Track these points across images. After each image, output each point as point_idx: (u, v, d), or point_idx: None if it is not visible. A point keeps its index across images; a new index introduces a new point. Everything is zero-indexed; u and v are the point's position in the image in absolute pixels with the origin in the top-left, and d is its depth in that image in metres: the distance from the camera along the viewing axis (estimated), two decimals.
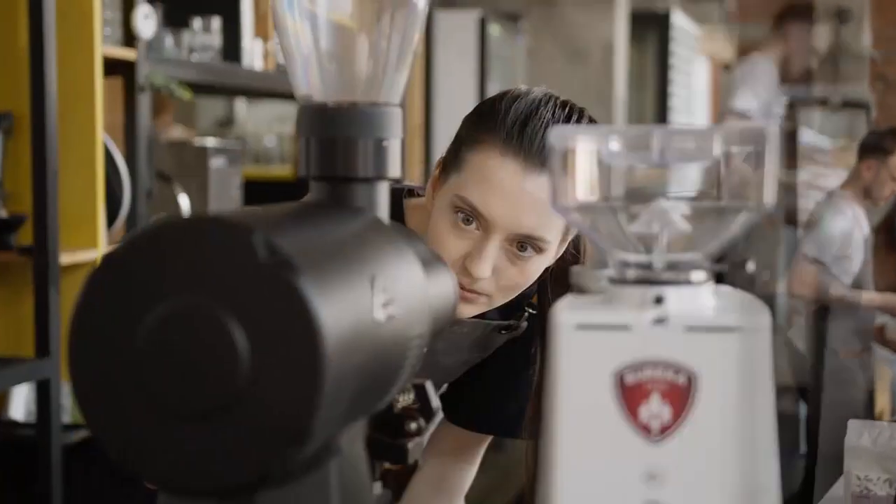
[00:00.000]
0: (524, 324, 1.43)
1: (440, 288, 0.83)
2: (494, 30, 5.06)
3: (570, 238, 1.33)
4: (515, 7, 5.38)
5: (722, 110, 4.43)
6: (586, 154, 0.70)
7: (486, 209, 1.23)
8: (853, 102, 8.54)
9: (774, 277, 4.43)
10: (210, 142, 3.22)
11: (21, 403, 2.73)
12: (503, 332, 1.43)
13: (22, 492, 2.44)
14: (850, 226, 4.36)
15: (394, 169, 0.81)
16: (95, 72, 2.43)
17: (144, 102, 2.62)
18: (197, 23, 2.94)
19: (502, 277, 1.27)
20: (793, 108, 4.63)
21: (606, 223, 0.71)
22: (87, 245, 2.44)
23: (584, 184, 0.70)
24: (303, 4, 0.80)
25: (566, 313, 0.68)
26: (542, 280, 1.36)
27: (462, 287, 1.26)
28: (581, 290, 0.76)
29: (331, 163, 0.79)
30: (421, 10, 0.83)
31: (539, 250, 1.26)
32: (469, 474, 1.54)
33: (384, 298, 0.69)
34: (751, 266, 3.14)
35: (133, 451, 0.62)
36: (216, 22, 2.96)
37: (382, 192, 0.80)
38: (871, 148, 4.43)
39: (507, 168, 1.23)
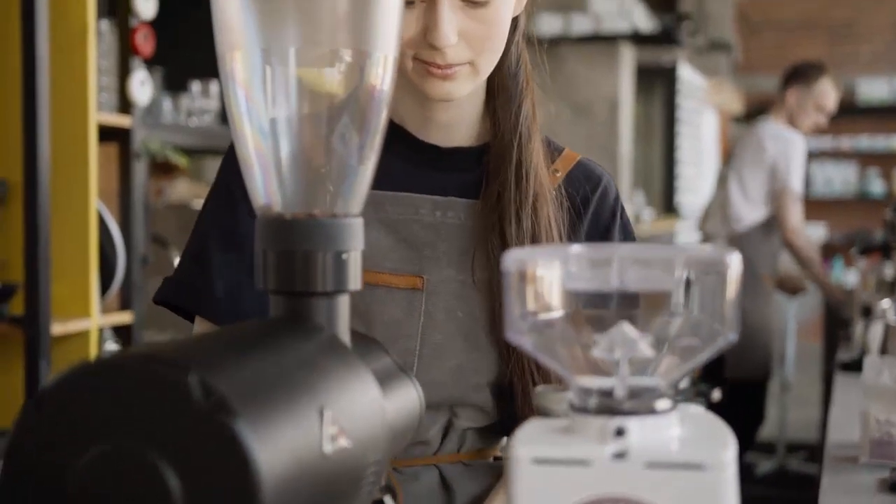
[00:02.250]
0: None
1: (401, 403, 0.81)
2: None
3: None
4: None
5: (775, 188, 4.34)
6: (544, 277, 0.67)
7: None
8: (719, 44, 8.54)
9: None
10: None
11: None
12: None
13: None
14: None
15: (354, 281, 0.78)
16: (90, 139, 2.42)
17: (140, 169, 2.61)
18: (196, 86, 2.94)
19: (471, 37, 1.19)
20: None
21: (567, 348, 0.68)
22: (80, 314, 2.42)
23: (542, 307, 0.68)
24: (260, 112, 0.78)
25: (523, 446, 0.65)
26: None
27: (438, 66, 1.18)
28: (544, 413, 0.73)
29: (289, 277, 0.76)
30: (383, 117, 0.81)
31: None
32: None
33: (335, 429, 0.66)
34: (716, 394, 3.09)
35: None
36: (215, 86, 2.95)
37: (343, 306, 0.78)
38: (796, 75, 4.45)
39: None
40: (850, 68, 10.04)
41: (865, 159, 10.13)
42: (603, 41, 5.36)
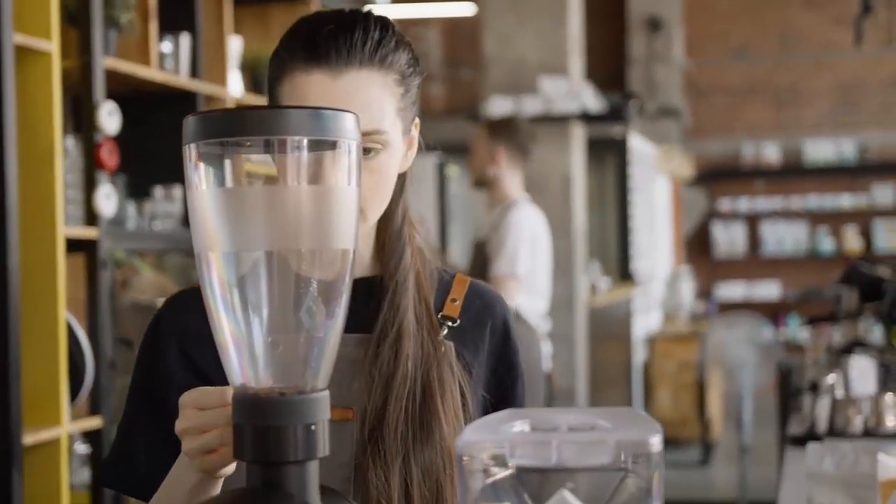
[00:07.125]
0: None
1: None
2: (453, 171, 5.18)
3: (414, 132, 1.30)
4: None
5: None
6: (491, 455, 0.77)
7: None
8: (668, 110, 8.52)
9: None
10: None
11: None
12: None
13: None
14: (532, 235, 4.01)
15: (323, 448, 0.88)
16: (58, 252, 2.50)
17: (106, 277, 2.69)
18: (159, 192, 3.03)
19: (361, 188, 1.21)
20: None
21: None
22: (51, 423, 2.48)
23: (489, 480, 0.77)
24: (235, 304, 0.88)
25: None
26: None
27: None
28: None
29: (264, 449, 0.86)
30: (344, 299, 0.90)
31: (382, 145, 1.23)
32: None
33: None
34: None
35: None
36: (178, 190, 3.05)
37: (313, 471, 0.87)
38: None
39: (314, 80, 1.21)
40: (797, 130, 10.31)
41: (815, 218, 10.36)
42: (554, 121, 5.50)
